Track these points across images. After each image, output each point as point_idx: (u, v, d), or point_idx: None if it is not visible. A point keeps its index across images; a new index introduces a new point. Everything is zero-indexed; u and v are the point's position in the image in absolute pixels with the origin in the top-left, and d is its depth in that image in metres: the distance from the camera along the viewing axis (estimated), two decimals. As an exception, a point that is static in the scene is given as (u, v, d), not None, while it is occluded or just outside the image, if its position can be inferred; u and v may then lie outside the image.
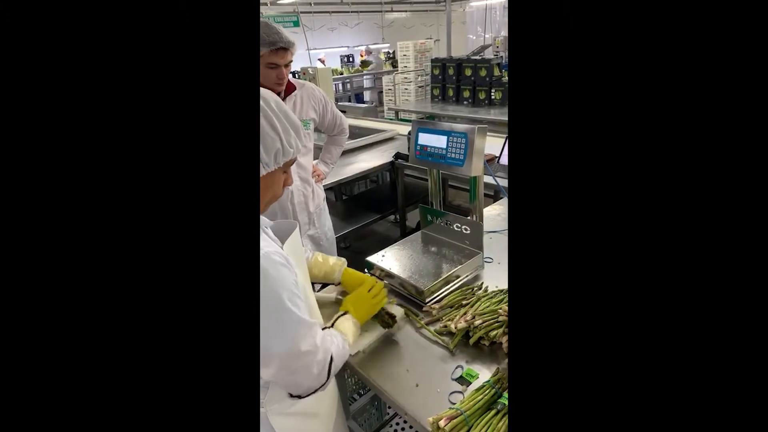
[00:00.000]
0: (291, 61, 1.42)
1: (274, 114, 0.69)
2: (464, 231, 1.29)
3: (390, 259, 1.29)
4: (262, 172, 0.71)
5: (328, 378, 0.79)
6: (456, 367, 0.92)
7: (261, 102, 0.68)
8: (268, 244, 0.73)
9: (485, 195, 1.33)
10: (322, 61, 8.00)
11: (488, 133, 1.17)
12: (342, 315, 0.96)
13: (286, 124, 0.71)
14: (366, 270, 1.30)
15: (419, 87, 5.21)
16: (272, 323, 0.69)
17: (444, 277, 1.17)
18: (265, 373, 0.72)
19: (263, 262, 0.67)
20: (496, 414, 0.78)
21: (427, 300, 1.13)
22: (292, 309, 0.71)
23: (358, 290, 1.02)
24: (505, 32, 5.66)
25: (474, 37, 6.27)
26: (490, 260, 1.34)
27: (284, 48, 1.35)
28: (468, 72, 4.07)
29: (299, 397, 0.79)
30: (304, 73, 3.38)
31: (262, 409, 0.81)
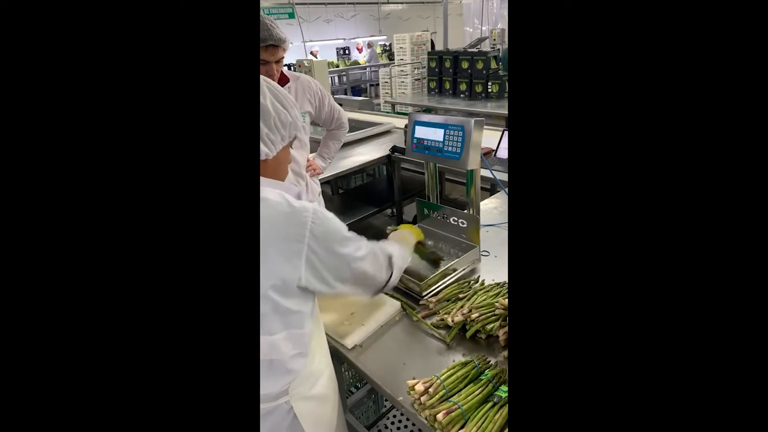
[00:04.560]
0: (282, 57, 1.40)
1: (281, 93, 0.79)
2: (461, 224, 1.29)
3: (387, 252, 1.29)
4: (280, 146, 0.78)
5: (392, 271, 0.90)
6: (453, 361, 0.93)
7: (270, 85, 0.78)
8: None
9: (481, 188, 1.33)
10: (314, 55, 7.91)
11: (485, 127, 1.17)
12: (396, 229, 1.16)
13: (291, 100, 0.80)
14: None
15: (416, 80, 5.18)
16: (346, 241, 0.78)
17: (441, 270, 1.17)
18: (341, 288, 0.79)
19: (320, 209, 0.75)
20: (493, 406, 0.78)
21: (424, 293, 1.13)
22: (349, 234, 0.80)
23: (400, 229, 1.17)
24: (501, 25, 5.62)
25: (471, 30, 6.22)
26: (487, 254, 1.34)
27: (274, 45, 1.33)
28: (465, 65, 4.05)
29: (374, 293, 0.90)
30: (299, 66, 3.34)
31: (285, 399, 0.80)
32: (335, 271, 0.76)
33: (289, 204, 0.70)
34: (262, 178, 0.75)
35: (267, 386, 0.76)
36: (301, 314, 0.76)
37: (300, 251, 0.70)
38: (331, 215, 0.77)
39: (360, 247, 0.81)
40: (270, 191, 0.71)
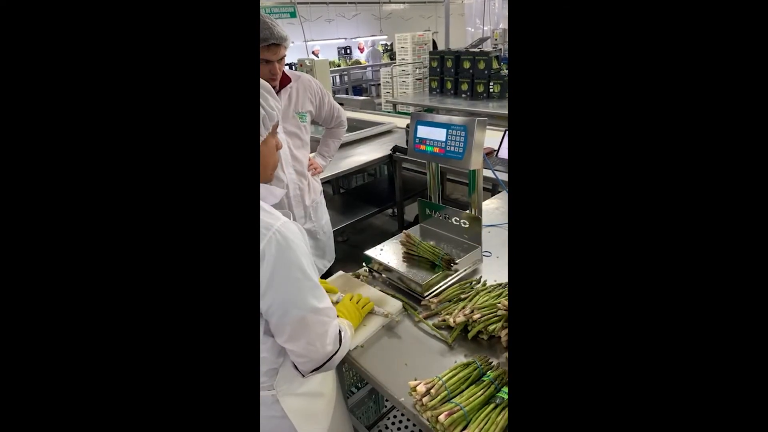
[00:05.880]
0: (284, 56, 1.40)
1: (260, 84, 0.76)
2: (463, 225, 1.28)
3: (388, 252, 1.29)
4: (263, 136, 0.76)
5: (339, 346, 0.82)
6: (454, 362, 0.92)
7: None
8: (280, 215, 0.75)
9: (483, 189, 1.32)
10: (316, 54, 7.94)
11: (486, 127, 1.16)
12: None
13: (268, 88, 0.77)
14: (364, 264, 1.29)
15: (417, 80, 5.19)
16: (294, 289, 0.73)
17: (442, 271, 1.17)
18: (282, 339, 0.76)
19: (284, 231, 0.71)
20: (495, 408, 0.78)
21: (426, 294, 1.13)
22: (311, 275, 0.76)
23: (343, 301, 1.07)
24: (503, 25, 5.62)
25: (473, 30, 6.22)
26: (489, 254, 1.33)
27: (276, 44, 1.33)
28: (466, 65, 4.05)
29: (315, 370, 0.81)
30: (300, 65, 3.34)
31: (271, 392, 0.82)
32: (281, 304, 0.72)
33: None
34: None
35: None
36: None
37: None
38: (299, 244, 0.73)
39: (321, 297, 0.77)
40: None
